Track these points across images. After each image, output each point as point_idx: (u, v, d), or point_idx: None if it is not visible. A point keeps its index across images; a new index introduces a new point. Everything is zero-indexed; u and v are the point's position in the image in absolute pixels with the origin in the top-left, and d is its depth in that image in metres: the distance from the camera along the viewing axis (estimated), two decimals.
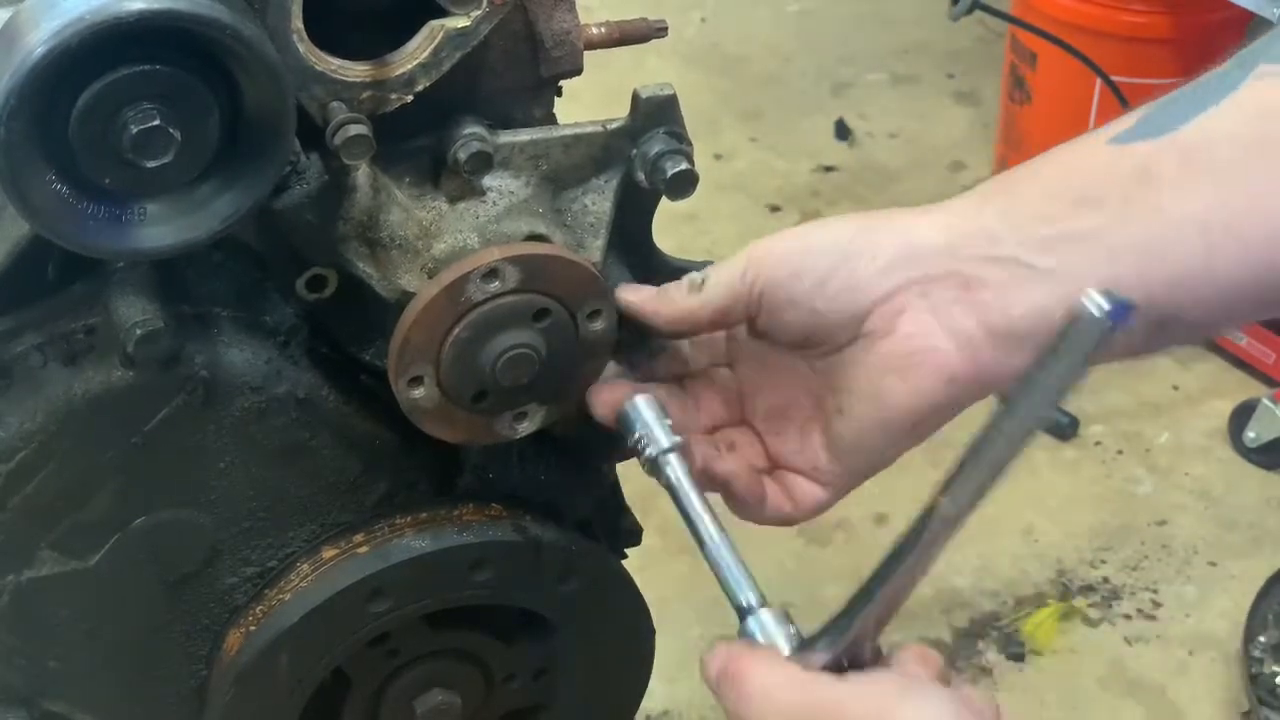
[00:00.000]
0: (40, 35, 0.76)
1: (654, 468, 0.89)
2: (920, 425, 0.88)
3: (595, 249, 0.98)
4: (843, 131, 3.50)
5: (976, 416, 0.76)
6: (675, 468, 0.88)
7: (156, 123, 0.80)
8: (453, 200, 0.95)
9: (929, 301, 0.85)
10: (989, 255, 0.84)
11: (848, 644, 0.76)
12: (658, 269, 1.04)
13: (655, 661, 1.16)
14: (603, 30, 1.01)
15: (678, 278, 0.94)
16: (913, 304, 0.86)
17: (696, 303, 0.91)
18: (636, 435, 0.90)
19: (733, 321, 0.92)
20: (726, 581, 0.85)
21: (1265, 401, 2.67)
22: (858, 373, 0.88)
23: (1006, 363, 0.84)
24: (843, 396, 0.89)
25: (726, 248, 3.18)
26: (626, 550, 1.18)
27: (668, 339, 0.96)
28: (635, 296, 0.94)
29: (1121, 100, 2.40)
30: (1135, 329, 0.75)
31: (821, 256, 0.89)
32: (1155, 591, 2.41)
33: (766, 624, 0.81)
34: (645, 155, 0.96)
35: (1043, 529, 2.51)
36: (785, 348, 0.92)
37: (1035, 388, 0.70)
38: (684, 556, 2.40)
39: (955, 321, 0.85)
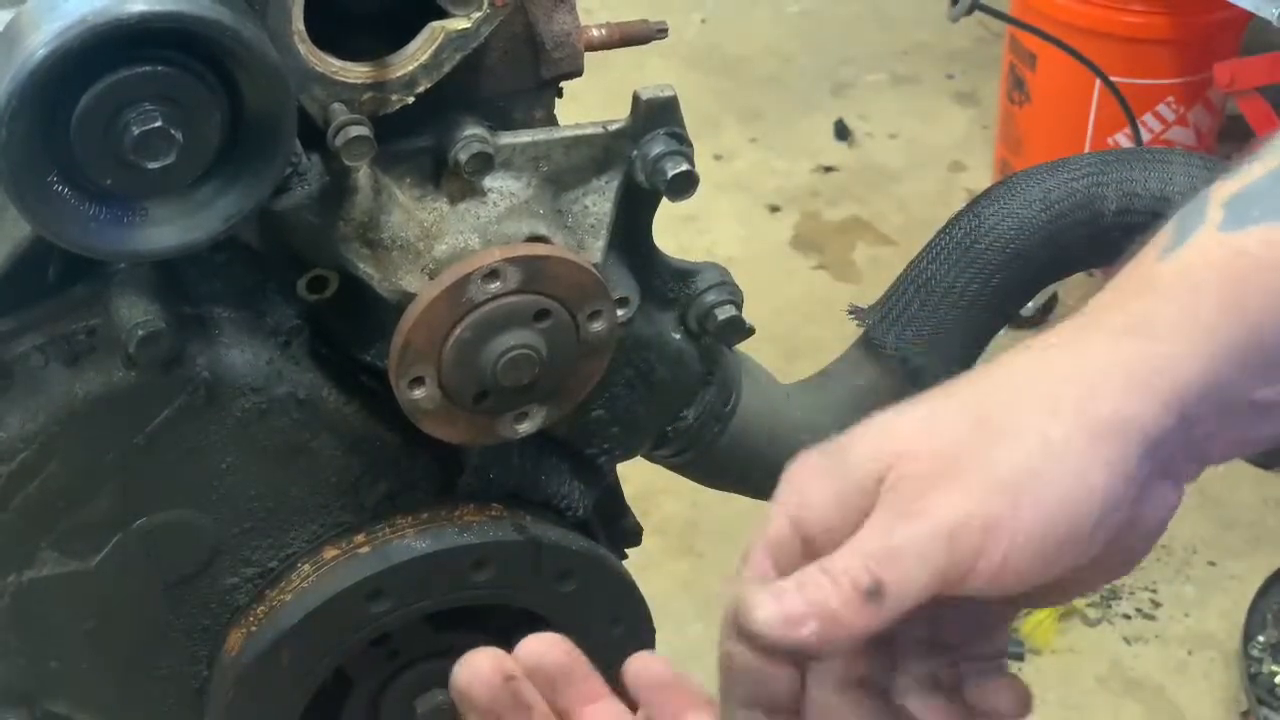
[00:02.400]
0: (42, 37, 0.77)
1: None
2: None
3: (596, 250, 0.98)
4: (843, 132, 3.50)
5: None
6: None
7: (158, 124, 0.80)
8: (454, 201, 0.95)
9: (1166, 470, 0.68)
10: (1222, 407, 0.67)
11: None
12: (658, 269, 1.04)
13: None
14: (603, 32, 1.01)
15: (677, 277, 0.94)
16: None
17: (873, 619, 0.63)
18: None
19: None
20: None
21: None
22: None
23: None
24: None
25: (727, 248, 3.18)
26: (626, 550, 1.18)
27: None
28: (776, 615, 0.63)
29: (1122, 101, 2.40)
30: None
31: (1084, 519, 0.65)
32: (1154, 591, 2.41)
33: None
34: (646, 156, 0.96)
35: None
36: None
37: None
38: (684, 556, 2.40)
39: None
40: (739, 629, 0.63)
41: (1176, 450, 0.66)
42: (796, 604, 0.62)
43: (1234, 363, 0.65)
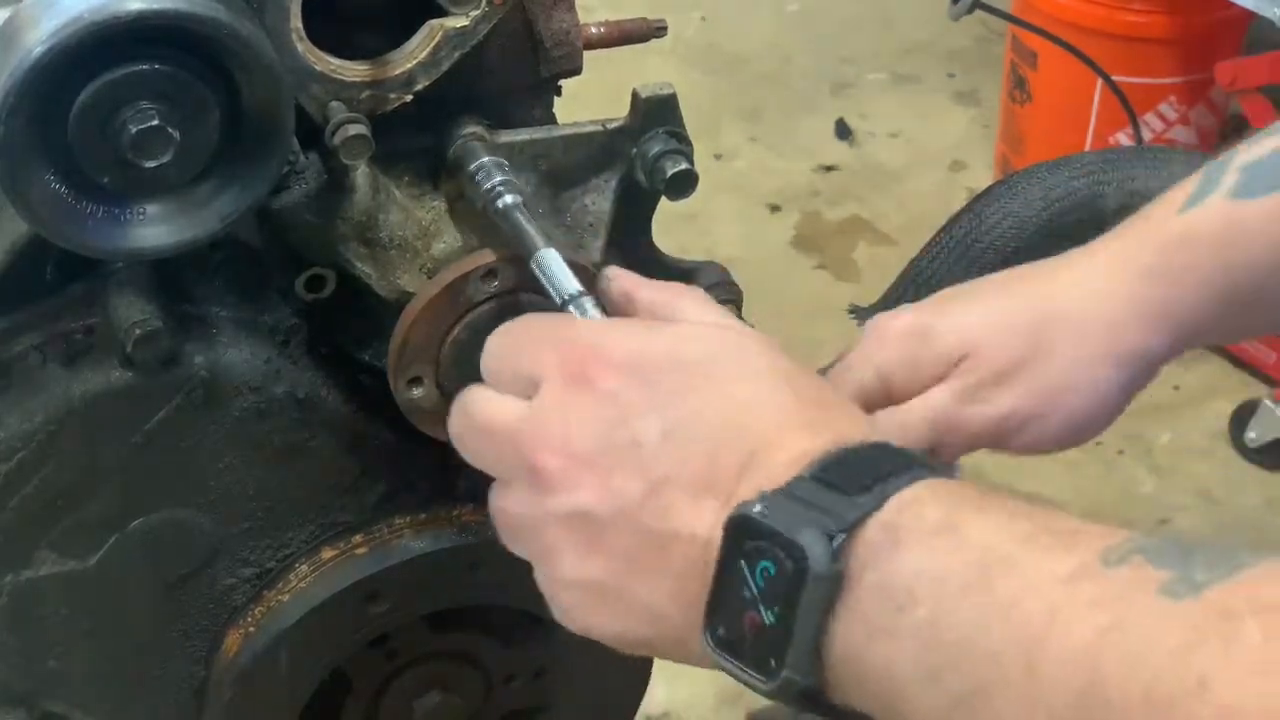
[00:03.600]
0: (39, 34, 0.76)
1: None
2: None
3: (595, 249, 0.97)
4: (843, 131, 3.50)
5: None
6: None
7: (155, 122, 0.80)
8: (452, 200, 0.95)
9: None
10: None
11: None
12: (658, 268, 1.04)
13: (655, 661, 1.16)
14: (602, 30, 1.01)
15: (677, 277, 0.93)
16: None
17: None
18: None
19: None
20: (554, 278, 0.83)
21: (1266, 402, 2.67)
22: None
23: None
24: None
25: (727, 248, 3.19)
26: None
27: None
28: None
29: (1123, 100, 2.40)
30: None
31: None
32: None
33: (587, 308, 0.80)
34: (645, 155, 0.96)
35: None
36: None
37: None
38: None
39: None
40: None
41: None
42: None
43: (1219, 304, 0.87)
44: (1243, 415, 2.70)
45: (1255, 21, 2.64)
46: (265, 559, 1.01)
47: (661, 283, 0.82)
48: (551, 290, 0.83)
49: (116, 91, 0.79)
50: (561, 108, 1.02)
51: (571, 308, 0.81)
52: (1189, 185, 0.89)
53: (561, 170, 0.96)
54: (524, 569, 1.05)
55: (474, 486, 1.04)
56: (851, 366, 0.92)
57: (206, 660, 1.04)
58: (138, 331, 0.88)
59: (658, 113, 0.96)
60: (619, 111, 0.97)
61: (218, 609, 1.02)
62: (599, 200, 0.98)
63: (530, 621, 1.10)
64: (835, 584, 0.59)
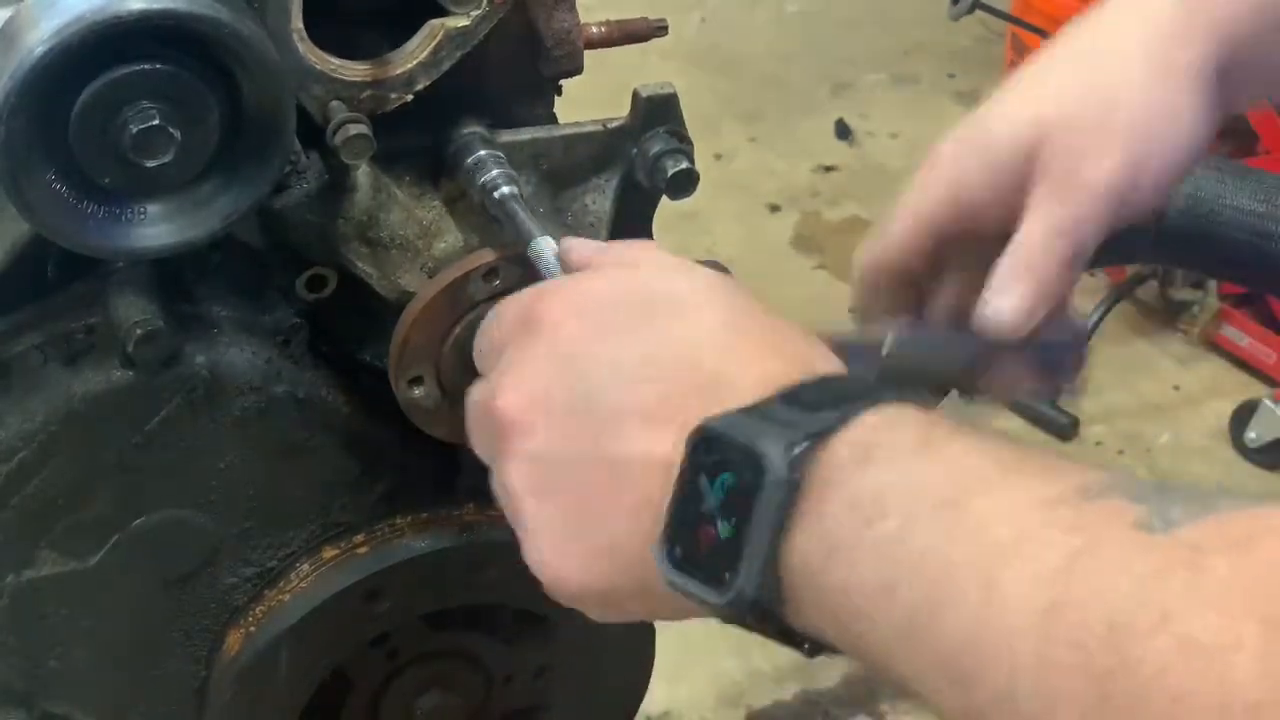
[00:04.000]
0: (40, 34, 0.76)
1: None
2: None
3: None
4: (843, 131, 3.50)
5: None
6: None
7: (156, 122, 0.80)
8: (453, 200, 0.95)
9: None
10: None
11: None
12: None
13: (655, 661, 1.16)
14: (603, 29, 1.01)
15: None
16: None
17: None
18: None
19: None
20: (550, 266, 0.82)
21: (1266, 402, 2.67)
22: None
23: None
24: None
25: (727, 248, 3.20)
26: None
27: None
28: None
29: None
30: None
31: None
32: None
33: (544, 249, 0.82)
34: (646, 154, 0.96)
35: None
36: None
37: None
38: None
39: None
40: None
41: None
42: (1028, 299, 0.78)
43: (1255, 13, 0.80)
44: (1243, 415, 2.70)
45: None
46: (266, 558, 1.01)
47: (622, 241, 0.80)
48: (548, 277, 0.83)
49: (118, 91, 0.79)
50: (562, 107, 1.02)
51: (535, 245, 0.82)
52: None
53: (562, 170, 0.96)
54: (524, 567, 1.05)
55: (475, 485, 1.04)
56: (912, 207, 0.86)
57: (207, 660, 1.04)
58: (139, 331, 0.88)
59: (658, 112, 0.96)
60: (620, 111, 0.97)
61: (219, 608, 1.02)
62: (599, 200, 0.98)
63: (531, 621, 1.10)
64: (791, 491, 0.57)
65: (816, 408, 0.60)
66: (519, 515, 0.69)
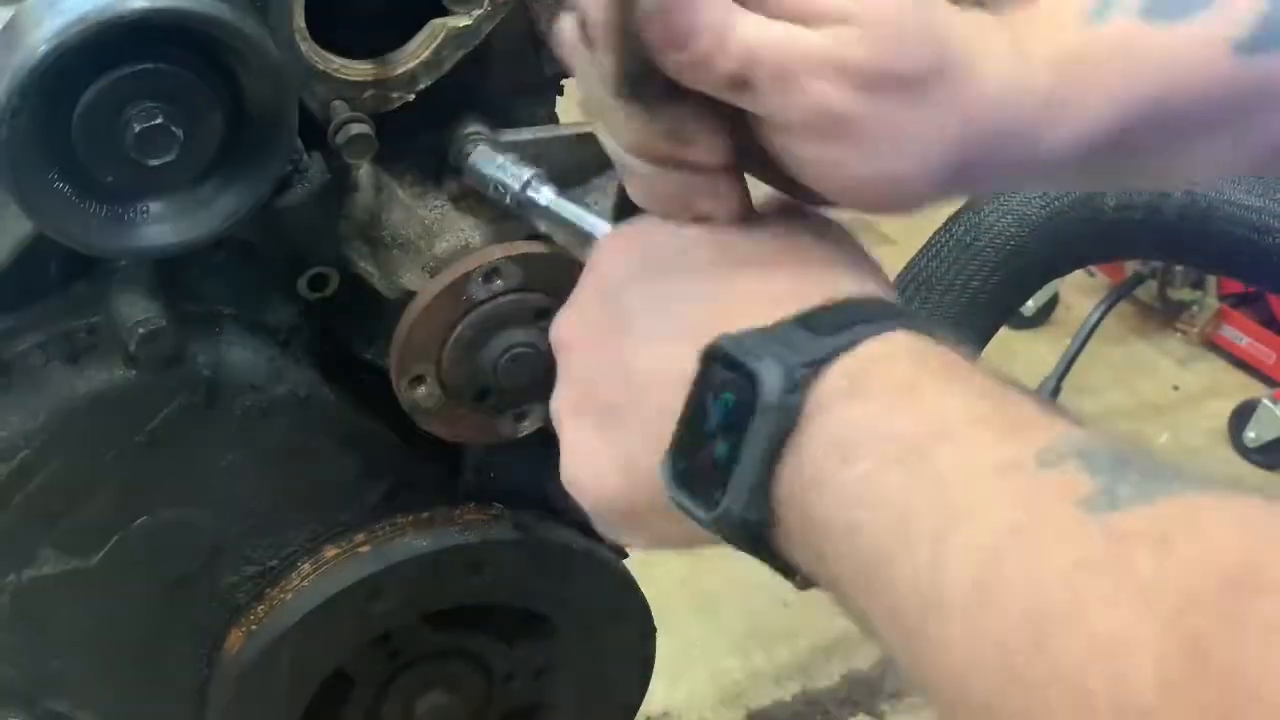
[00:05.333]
0: (43, 33, 0.77)
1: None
2: None
3: None
4: None
5: None
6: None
7: (159, 121, 0.80)
8: (454, 199, 0.95)
9: None
10: None
11: None
12: None
13: (656, 661, 1.16)
14: None
15: None
16: None
17: None
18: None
19: None
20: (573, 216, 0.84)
21: (1265, 401, 2.68)
22: None
23: None
24: None
25: None
26: (627, 550, 1.18)
27: None
28: None
29: None
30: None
31: None
32: None
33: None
34: None
35: None
36: None
37: None
38: (684, 556, 2.40)
39: None
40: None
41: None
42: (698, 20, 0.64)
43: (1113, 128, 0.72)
44: (1242, 415, 2.71)
45: None
46: (267, 557, 1.02)
47: None
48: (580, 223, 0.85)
49: (120, 90, 0.80)
50: (563, 107, 1.02)
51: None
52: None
53: (564, 170, 0.96)
54: (524, 567, 1.06)
55: (475, 485, 1.05)
56: None
57: (209, 659, 1.04)
58: (141, 330, 0.88)
59: None
60: None
61: (220, 607, 1.02)
62: (602, 200, 0.98)
63: (531, 621, 1.10)
64: (786, 417, 0.58)
65: (827, 332, 0.60)
66: (562, 435, 0.71)
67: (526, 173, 0.90)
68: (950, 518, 0.53)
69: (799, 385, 0.58)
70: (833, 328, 0.60)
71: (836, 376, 0.58)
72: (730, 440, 0.59)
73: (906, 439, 0.56)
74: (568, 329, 0.72)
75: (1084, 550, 0.49)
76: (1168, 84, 0.74)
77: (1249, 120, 0.75)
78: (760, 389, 0.58)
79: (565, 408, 0.71)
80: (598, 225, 0.86)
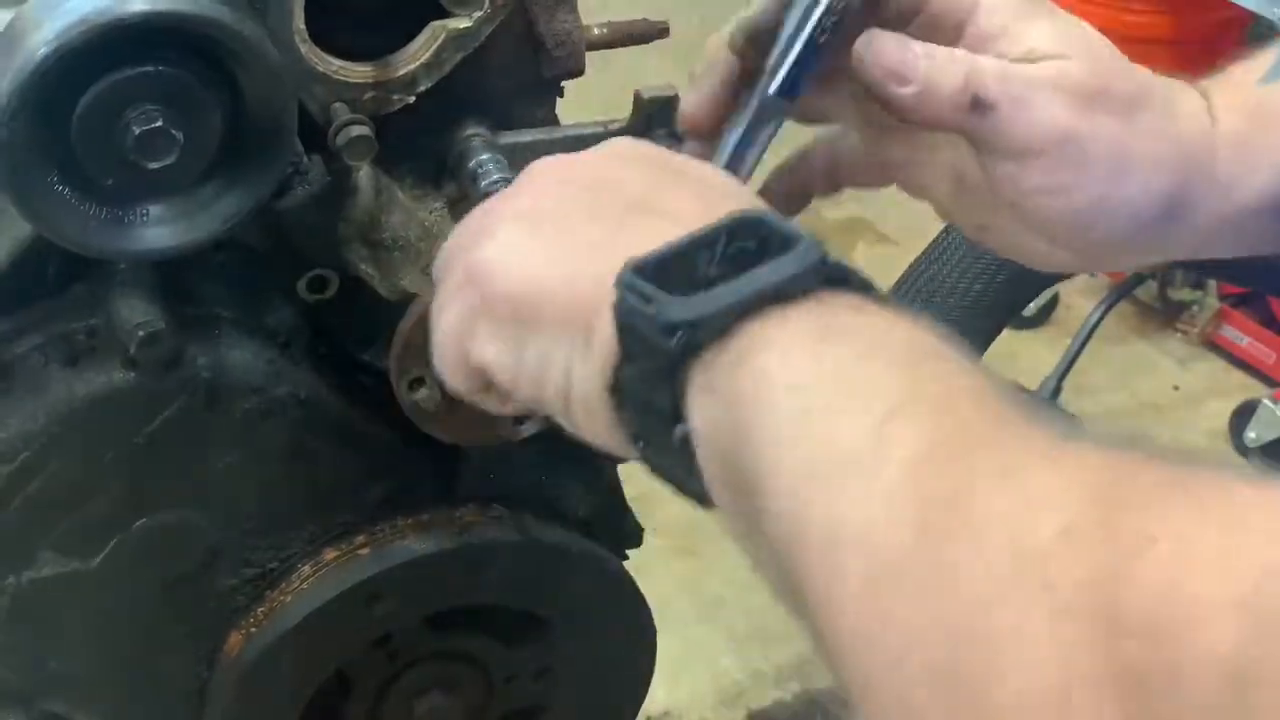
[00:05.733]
0: (43, 36, 0.77)
1: None
2: None
3: None
4: None
5: None
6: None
7: (159, 124, 0.80)
8: (454, 202, 0.95)
9: None
10: None
11: None
12: None
13: (656, 662, 1.16)
14: (604, 30, 1.01)
15: None
16: None
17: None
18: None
19: None
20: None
21: (1266, 402, 2.68)
22: None
23: None
24: None
25: None
26: (627, 551, 1.18)
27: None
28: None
29: None
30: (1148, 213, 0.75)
31: None
32: None
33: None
34: None
35: None
36: None
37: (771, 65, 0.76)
38: (684, 557, 2.40)
39: None
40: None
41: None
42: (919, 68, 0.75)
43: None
44: (1243, 415, 2.70)
45: (1255, 22, 2.64)
46: (267, 559, 1.02)
47: None
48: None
49: (120, 93, 0.79)
50: (563, 108, 1.02)
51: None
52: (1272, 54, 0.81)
53: None
54: (525, 569, 1.06)
55: (476, 487, 1.05)
56: None
57: (208, 661, 1.04)
58: (140, 333, 0.88)
59: (660, 113, 0.96)
60: (621, 112, 0.97)
61: (220, 609, 1.02)
62: None
63: (531, 622, 1.10)
64: (799, 280, 0.59)
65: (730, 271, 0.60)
66: (489, 227, 0.70)
67: (495, 174, 0.89)
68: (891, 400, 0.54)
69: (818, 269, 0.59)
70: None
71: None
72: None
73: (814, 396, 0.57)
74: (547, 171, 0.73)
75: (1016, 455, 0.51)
76: None
77: None
78: (794, 245, 0.60)
79: (506, 208, 0.70)
80: None
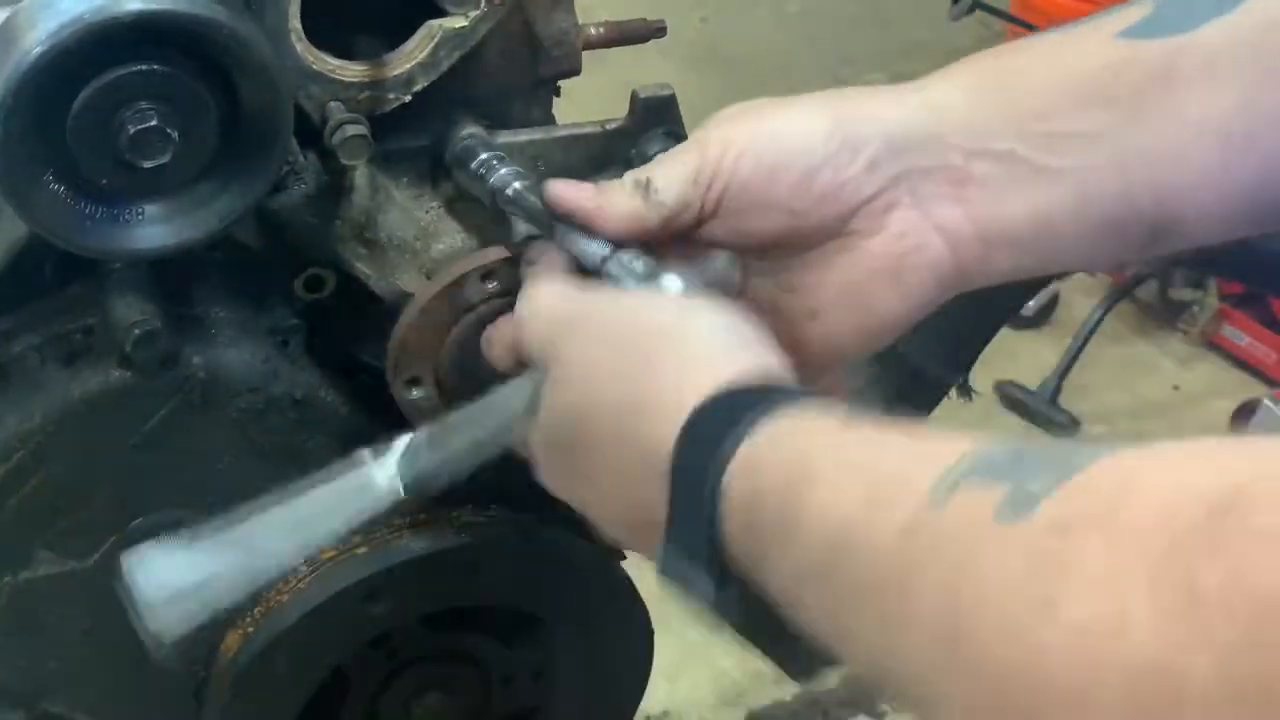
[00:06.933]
0: (38, 35, 0.77)
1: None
2: (900, 328, 0.82)
3: None
4: None
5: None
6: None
7: (154, 123, 0.80)
8: (450, 201, 0.95)
9: (917, 197, 0.78)
10: (983, 149, 0.77)
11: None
12: None
13: (655, 661, 1.16)
14: (601, 30, 1.01)
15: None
16: (902, 200, 0.79)
17: (642, 208, 0.79)
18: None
19: (685, 226, 0.80)
20: (578, 243, 0.83)
21: (1266, 402, 2.67)
22: (838, 275, 0.80)
23: (991, 266, 0.79)
24: (818, 299, 0.81)
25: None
26: (626, 551, 1.18)
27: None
28: (572, 193, 0.82)
29: None
30: (1131, 235, 0.76)
31: (799, 156, 0.80)
32: None
33: (624, 260, 0.81)
34: (644, 155, 0.96)
35: None
36: (745, 251, 0.83)
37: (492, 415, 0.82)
38: None
39: (946, 219, 0.78)
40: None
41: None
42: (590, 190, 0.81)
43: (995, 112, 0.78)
44: (1242, 415, 2.70)
45: None
46: None
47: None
48: (585, 258, 0.82)
49: (115, 92, 0.80)
50: (560, 108, 1.02)
51: (610, 265, 0.81)
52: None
53: (560, 171, 0.96)
54: (523, 569, 1.05)
55: (472, 487, 1.04)
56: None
57: (205, 660, 1.04)
58: (136, 332, 0.88)
59: (657, 113, 0.96)
60: (618, 112, 0.97)
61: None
62: None
63: (530, 622, 1.10)
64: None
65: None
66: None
67: (513, 177, 0.89)
68: (891, 594, 0.55)
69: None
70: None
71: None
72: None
73: (812, 564, 0.61)
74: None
75: (1026, 556, 0.49)
76: None
77: None
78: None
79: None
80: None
